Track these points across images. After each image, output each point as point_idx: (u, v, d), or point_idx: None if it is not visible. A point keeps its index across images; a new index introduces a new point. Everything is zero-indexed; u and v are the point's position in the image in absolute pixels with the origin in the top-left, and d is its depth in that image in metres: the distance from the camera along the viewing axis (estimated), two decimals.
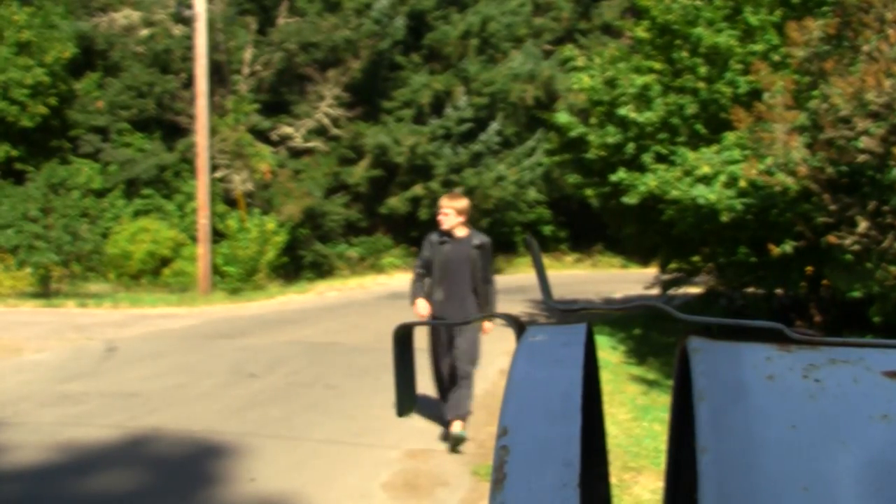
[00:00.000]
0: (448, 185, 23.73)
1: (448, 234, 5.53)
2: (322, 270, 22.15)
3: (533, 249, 1.00)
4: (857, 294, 8.08)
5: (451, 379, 5.53)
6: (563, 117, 12.64)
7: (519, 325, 0.90)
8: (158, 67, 20.99)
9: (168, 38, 20.92)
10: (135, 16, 21.05)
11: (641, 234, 12.96)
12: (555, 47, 25.45)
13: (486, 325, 5.62)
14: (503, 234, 26.86)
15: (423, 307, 5.49)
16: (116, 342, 9.85)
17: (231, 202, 20.53)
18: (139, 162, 20.31)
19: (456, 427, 5.45)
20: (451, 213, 5.51)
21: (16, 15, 19.50)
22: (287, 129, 22.36)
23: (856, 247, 7.52)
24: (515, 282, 21.01)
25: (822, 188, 7.93)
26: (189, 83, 19.31)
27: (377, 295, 17.56)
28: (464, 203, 5.62)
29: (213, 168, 18.99)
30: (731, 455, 0.62)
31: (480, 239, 5.57)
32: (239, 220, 18.74)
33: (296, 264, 21.09)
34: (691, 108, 10.76)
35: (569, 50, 14.07)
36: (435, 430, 5.84)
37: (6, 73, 18.87)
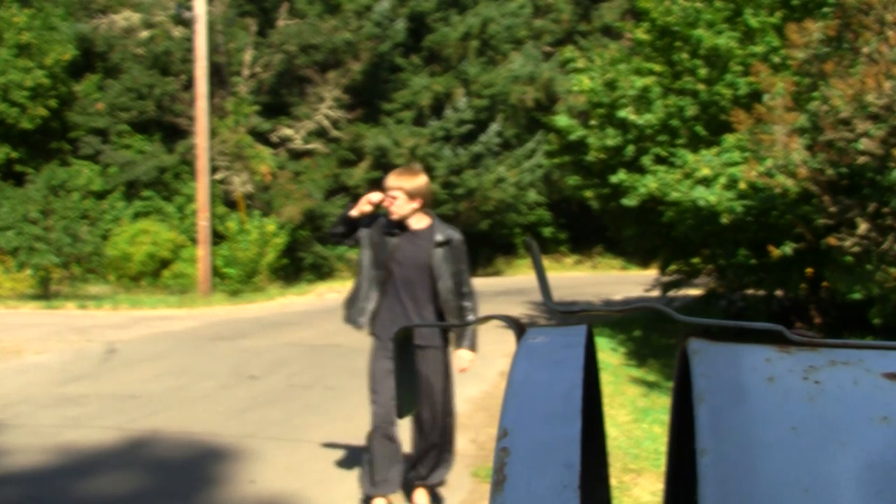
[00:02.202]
0: (448, 187, 23.77)
1: (400, 225, 3.98)
2: (322, 272, 22.15)
3: (533, 251, 1.00)
4: (857, 296, 8.08)
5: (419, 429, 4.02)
6: (562, 120, 12.65)
7: (519, 327, 0.90)
8: (158, 69, 21.00)
9: (168, 39, 20.93)
10: (135, 18, 21.06)
11: (641, 235, 12.96)
12: (555, 49, 25.48)
13: (465, 357, 3.99)
14: (503, 235, 26.91)
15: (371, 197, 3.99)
16: (116, 344, 9.85)
17: (231, 204, 20.53)
18: (139, 164, 20.32)
19: (420, 499, 4.15)
20: (401, 197, 3.90)
21: (16, 17, 19.52)
22: (287, 131, 22.37)
23: (856, 248, 7.53)
24: (515, 283, 21.02)
25: (822, 190, 7.93)
26: (189, 85, 19.32)
27: None
28: (419, 181, 3.94)
29: (213, 170, 19.00)
30: (731, 457, 0.62)
31: (446, 233, 3.97)
32: (239, 221, 18.75)
33: (296, 266, 21.10)
34: (691, 110, 10.77)
35: (569, 51, 14.08)
36: None
37: (6, 75, 18.89)
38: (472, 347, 4.03)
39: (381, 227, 4.01)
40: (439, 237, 3.96)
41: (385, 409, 3.90)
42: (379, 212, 4.06)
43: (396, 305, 3.97)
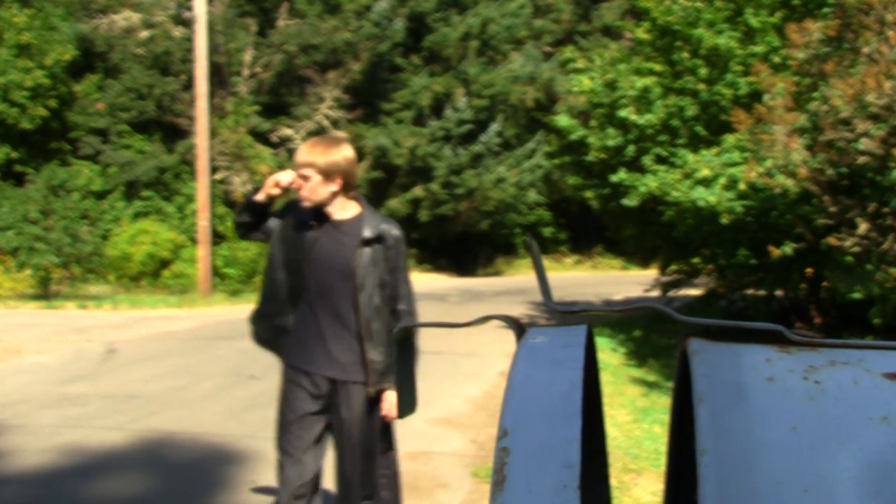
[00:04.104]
0: (448, 187, 23.77)
1: (320, 214, 3.00)
2: None
3: (533, 251, 1.00)
4: (857, 296, 8.08)
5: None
6: (563, 120, 12.65)
7: (519, 327, 0.91)
8: (158, 69, 21.01)
9: (168, 39, 20.94)
10: (135, 18, 21.07)
11: (641, 235, 12.97)
12: (555, 49, 25.51)
13: (393, 399, 2.92)
14: (503, 235, 26.93)
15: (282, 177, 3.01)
16: (116, 344, 9.85)
17: (231, 204, 20.53)
18: (139, 164, 20.33)
19: None
20: (314, 177, 2.93)
21: (16, 17, 19.53)
22: (287, 131, 22.38)
23: (856, 248, 7.53)
24: (515, 283, 21.03)
25: (822, 190, 7.94)
26: (189, 85, 19.33)
27: None
28: (337, 155, 2.95)
29: (213, 170, 19.00)
30: (731, 456, 0.62)
31: (378, 227, 2.99)
32: None
33: None
34: (691, 110, 10.77)
35: (569, 51, 14.09)
36: (435, 432, 5.84)
37: (6, 76, 18.90)
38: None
39: (296, 217, 3.04)
40: (367, 232, 2.96)
41: (301, 477, 2.93)
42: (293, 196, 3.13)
43: (311, 324, 2.97)
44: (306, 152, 2.94)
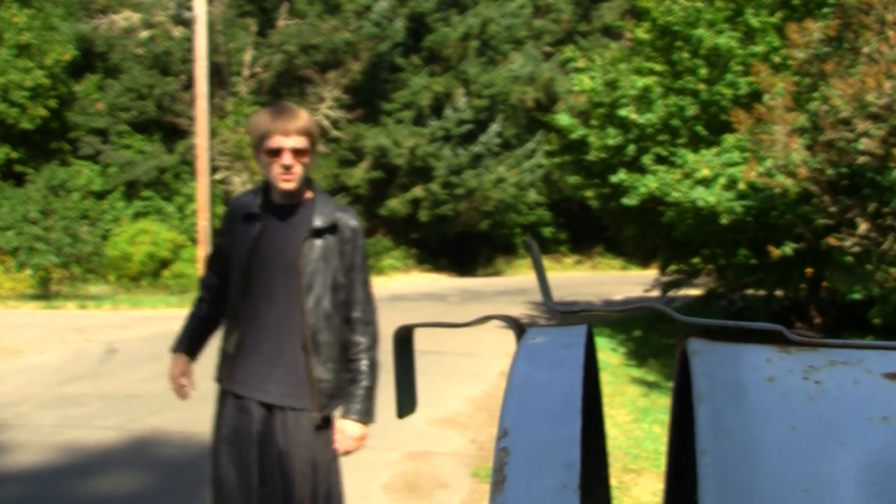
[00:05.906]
0: (448, 187, 23.76)
1: (267, 200, 2.44)
2: None
3: (533, 251, 1.00)
4: (857, 296, 8.08)
5: None
6: (564, 119, 12.65)
7: (519, 327, 0.90)
8: (158, 69, 21.02)
9: (168, 39, 20.95)
10: (135, 18, 21.08)
11: (641, 235, 12.97)
12: (555, 49, 25.52)
13: (350, 430, 2.39)
14: (503, 235, 26.93)
15: (176, 369, 2.78)
16: (116, 344, 9.85)
17: None
18: (139, 164, 20.34)
19: None
20: (302, 150, 2.34)
21: (16, 17, 19.54)
22: None
23: (856, 248, 7.53)
24: (515, 283, 21.03)
25: (822, 190, 7.94)
26: (189, 85, 19.34)
27: (377, 297, 17.50)
28: (311, 118, 2.40)
29: (214, 170, 19.01)
30: (731, 457, 0.62)
31: (332, 214, 2.41)
32: None
33: None
34: (692, 110, 10.77)
35: (570, 51, 14.09)
36: (435, 432, 5.84)
37: (6, 76, 18.91)
38: (366, 415, 2.44)
39: (239, 213, 2.47)
40: (318, 220, 2.37)
41: None
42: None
43: (248, 337, 2.42)
44: (292, 119, 2.30)
